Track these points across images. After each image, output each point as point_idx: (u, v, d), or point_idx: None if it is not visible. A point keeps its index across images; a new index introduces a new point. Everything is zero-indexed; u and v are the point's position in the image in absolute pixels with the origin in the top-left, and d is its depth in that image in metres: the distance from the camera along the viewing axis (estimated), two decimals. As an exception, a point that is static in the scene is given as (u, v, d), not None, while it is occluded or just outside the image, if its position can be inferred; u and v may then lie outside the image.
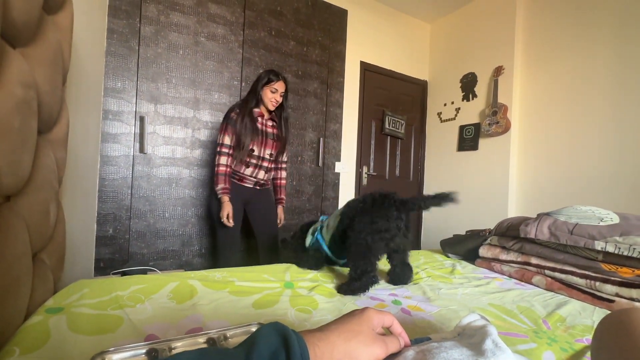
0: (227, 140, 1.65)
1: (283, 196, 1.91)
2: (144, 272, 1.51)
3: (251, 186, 1.76)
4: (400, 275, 1.03)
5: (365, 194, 1.03)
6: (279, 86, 1.68)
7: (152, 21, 1.96)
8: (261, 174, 1.76)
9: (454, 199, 0.92)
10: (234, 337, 0.58)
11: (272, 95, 1.68)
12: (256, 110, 1.70)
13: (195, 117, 2.11)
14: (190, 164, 2.10)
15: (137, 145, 1.94)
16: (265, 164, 1.75)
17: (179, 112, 2.06)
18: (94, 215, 1.80)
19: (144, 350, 0.51)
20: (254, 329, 0.59)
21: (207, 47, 2.13)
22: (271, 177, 1.88)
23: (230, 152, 1.66)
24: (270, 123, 1.77)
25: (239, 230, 1.78)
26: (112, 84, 1.86)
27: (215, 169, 1.65)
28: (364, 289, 0.91)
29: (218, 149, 1.66)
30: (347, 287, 0.92)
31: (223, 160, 1.65)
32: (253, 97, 1.69)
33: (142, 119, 1.94)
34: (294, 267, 1.17)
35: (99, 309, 0.71)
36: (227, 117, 1.67)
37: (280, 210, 1.90)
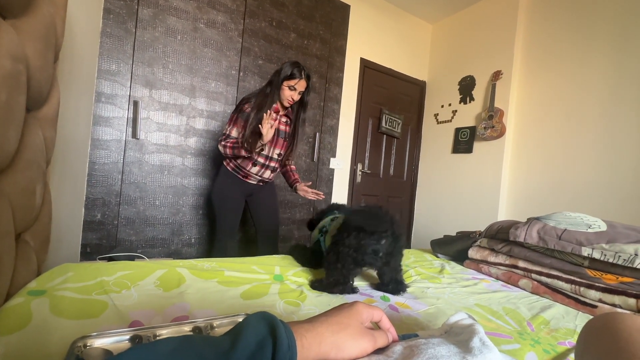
0: (235, 133, 1.53)
1: (297, 176, 1.78)
2: (132, 258, 1.49)
3: (255, 183, 1.69)
4: (390, 289, 0.95)
5: (366, 215, 0.91)
6: (300, 85, 1.53)
7: (150, 3, 1.91)
8: (267, 174, 1.67)
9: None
10: (220, 327, 0.57)
11: (289, 93, 1.53)
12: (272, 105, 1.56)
13: (190, 105, 2.08)
14: (183, 152, 2.07)
15: (130, 130, 1.90)
16: (272, 164, 1.65)
17: (175, 98, 2.03)
18: (82, 199, 1.77)
19: (127, 337, 0.50)
20: (241, 320, 0.59)
21: (206, 34, 2.09)
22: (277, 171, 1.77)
23: (236, 145, 1.53)
24: (283, 120, 1.64)
25: (239, 221, 1.74)
26: (106, 66, 1.82)
27: (228, 151, 1.53)
28: (332, 291, 0.89)
29: (223, 141, 1.53)
30: (319, 285, 0.91)
31: (229, 151, 1.53)
32: (273, 90, 1.52)
33: (135, 104, 1.90)
34: (284, 260, 1.17)
35: (83, 293, 0.70)
36: (239, 108, 1.54)
37: (301, 185, 1.72)
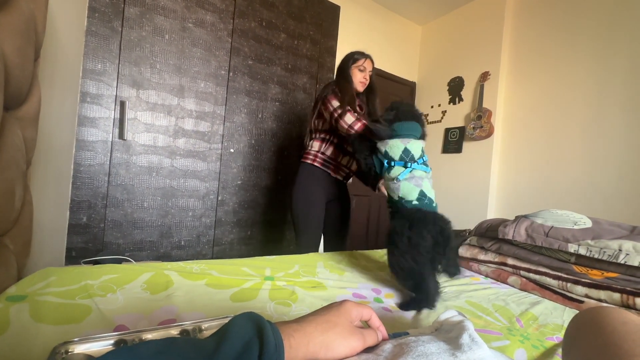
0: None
1: None
2: (118, 262, 1.46)
3: (341, 179, 1.63)
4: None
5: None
6: (368, 64, 1.54)
7: (137, 2, 1.87)
8: (354, 165, 1.59)
9: None
10: (209, 329, 0.55)
11: (360, 75, 1.53)
12: None
13: (179, 105, 2.05)
14: (172, 153, 2.04)
15: (117, 131, 1.86)
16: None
17: (163, 99, 1.99)
18: (67, 201, 1.72)
19: (111, 341, 0.48)
20: (230, 321, 0.58)
21: (194, 33, 2.06)
22: None
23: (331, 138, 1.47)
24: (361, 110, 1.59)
25: (322, 230, 1.62)
26: (91, 66, 1.77)
27: (353, 127, 1.32)
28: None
29: (338, 113, 1.36)
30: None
31: (349, 117, 1.34)
32: (346, 75, 1.51)
33: (122, 104, 1.86)
34: (274, 261, 1.16)
35: (66, 298, 0.67)
36: (332, 90, 1.46)
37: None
